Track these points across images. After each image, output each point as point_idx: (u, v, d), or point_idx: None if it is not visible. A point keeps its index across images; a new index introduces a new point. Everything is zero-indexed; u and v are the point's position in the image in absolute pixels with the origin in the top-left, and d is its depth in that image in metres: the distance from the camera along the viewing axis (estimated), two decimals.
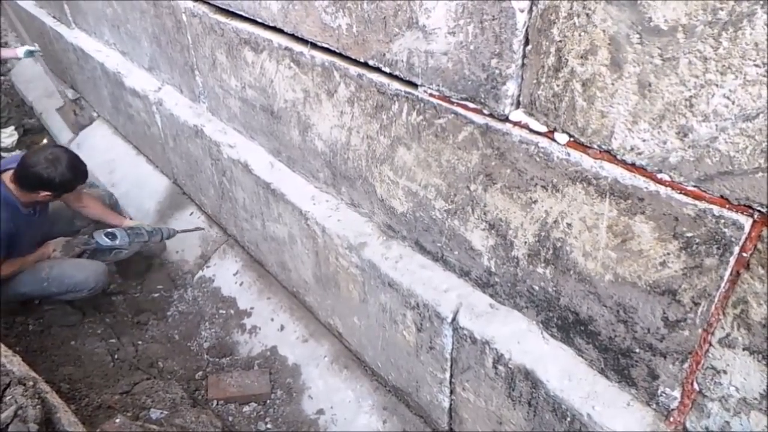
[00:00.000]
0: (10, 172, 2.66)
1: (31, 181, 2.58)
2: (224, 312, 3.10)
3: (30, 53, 4.37)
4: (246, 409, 2.63)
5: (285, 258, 2.75)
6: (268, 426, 2.56)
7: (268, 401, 2.64)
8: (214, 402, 2.63)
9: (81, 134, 4.71)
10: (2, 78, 5.94)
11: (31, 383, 1.78)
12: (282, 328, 2.87)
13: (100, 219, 3.18)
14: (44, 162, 2.55)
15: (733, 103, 1.01)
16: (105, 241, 2.98)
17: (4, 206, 2.58)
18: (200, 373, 2.80)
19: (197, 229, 3.48)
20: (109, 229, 3.05)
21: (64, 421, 1.78)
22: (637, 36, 1.10)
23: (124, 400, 2.41)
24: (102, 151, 4.44)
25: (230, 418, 2.58)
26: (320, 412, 2.52)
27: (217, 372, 2.79)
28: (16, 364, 1.87)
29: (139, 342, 2.96)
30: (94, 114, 4.77)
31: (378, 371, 2.41)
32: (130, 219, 3.38)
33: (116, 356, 2.82)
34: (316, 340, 2.74)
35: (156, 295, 3.33)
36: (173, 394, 2.47)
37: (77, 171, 2.70)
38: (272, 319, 2.93)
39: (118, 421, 2.03)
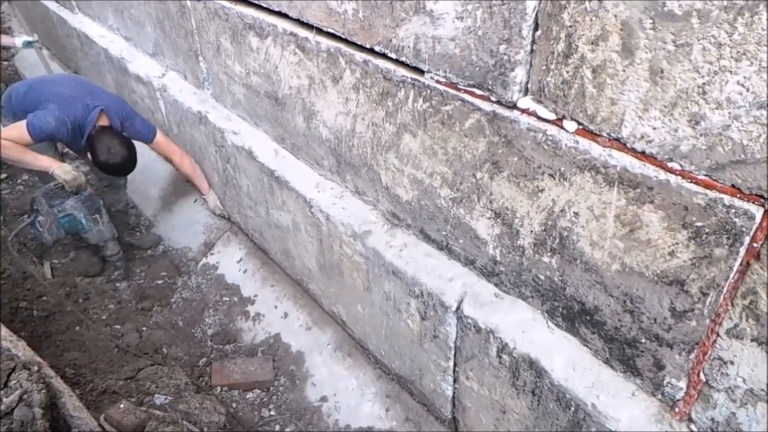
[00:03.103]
0: (104, 119, 2.96)
1: (90, 147, 2.91)
2: (228, 299, 3.11)
3: (29, 44, 4.33)
4: (249, 395, 2.64)
5: (289, 246, 2.75)
6: (272, 413, 2.57)
7: (271, 388, 2.66)
8: (218, 388, 2.64)
9: None
10: (5, 63, 5.91)
11: (36, 368, 1.79)
12: (286, 315, 2.88)
13: (188, 178, 3.39)
14: (104, 149, 2.87)
15: (748, 90, 0.99)
16: (100, 201, 3.12)
17: (78, 126, 2.88)
18: (204, 359, 2.81)
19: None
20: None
21: (69, 406, 1.79)
22: (650, 21, 1.07)
23: (129, 385, 2.42)
24: None
25: (234, 405, 2.59)
26: (323, 399, 2.53)
27: (220, 359, 2.80)
28: (21, 349, 1.88)
29: (144, 328, 2.97)
30: None
31: (381, 359, 2.41)
32: (211, 190, 3.44)
33: (120, 342, 2.83)
34: (320, 328, 2.74)
35: (160, 282, 3.33)
36: (177, 380, 2.48)
37: (118, 169, 2.98)
38: (276, 307, 2.94)
39: (122, 406, 2.04)
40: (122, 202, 3.56)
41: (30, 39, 4.35)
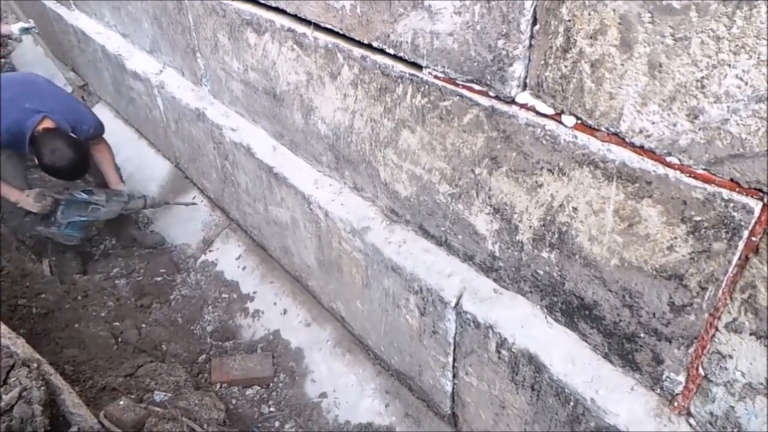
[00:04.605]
0: (47, 122, 2.84)
1: (35, 151, 2.83)
2: (227, 296, 3.11)
3: (25, 30, 4.29)
4: (249, 392, 2.64)
5: (288, 242, 2.75)
6: (271, 409, 2.57)
7: (271, 384, 2.66)
8: (218, 385, 2.64)
9: None
10: (2, 60, 5.89)
11: (35, 365, 1.79)
12: (285, 312, 2.88)
13: (102, 170, 3.32)
14: (48, 151, 2.77)
15: (746, 83, 0.99)
16: (80, 195, 3.16)
17: (16, 132, 2.81)
18: (203, 356, 2.81)
19: (190, 203, 3.56)
20: (89, 188, 3.23)
21: (68, 403, 1.79)
22: (649, 15, 1.07)
23: (128, 382, 2.42)
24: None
25: (233, 401, 2.60)
26: (323, 395, 2.54)
27: (220, 355, 2.80)
28: (20, 346, 1.88)
29: (143, 325, 2.97)
30: (97, 98, 4.74)
31: (381, 355, 2.42)
32: (123, 183, 3.42)
33: (120, 339, 2.83)
34: (319, 325, 2.74)
35: (159, 278, 3.33)
36: (177, 377, 2.48)
37: (65, 173, 2.89)
38: (275, 304, 2.94)
39: (122, 403, 2.04)
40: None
41: (27, 25, 4.31)
